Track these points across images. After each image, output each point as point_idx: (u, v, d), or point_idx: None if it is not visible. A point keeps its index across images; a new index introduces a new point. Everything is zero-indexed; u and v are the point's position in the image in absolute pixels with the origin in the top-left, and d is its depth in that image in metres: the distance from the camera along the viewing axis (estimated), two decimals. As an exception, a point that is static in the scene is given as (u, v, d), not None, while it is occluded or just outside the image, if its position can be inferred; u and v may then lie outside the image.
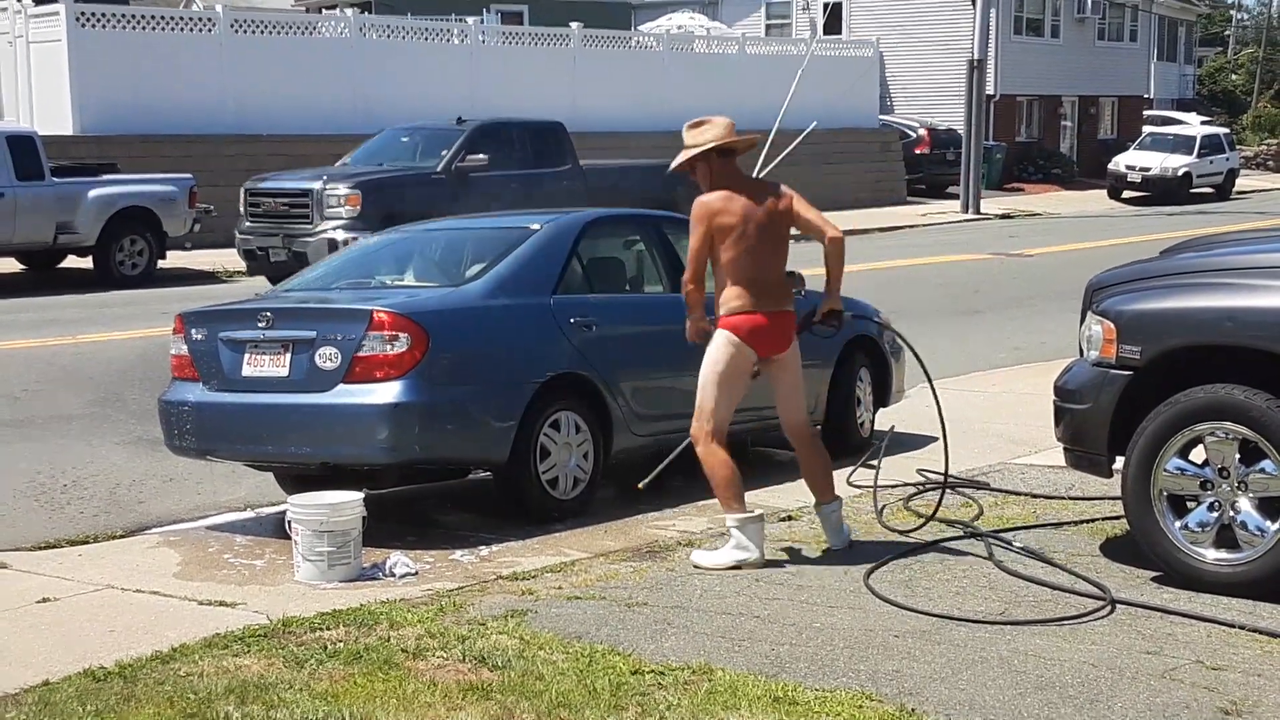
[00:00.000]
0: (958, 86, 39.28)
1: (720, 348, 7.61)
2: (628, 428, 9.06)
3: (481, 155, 20.87)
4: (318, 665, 5.97)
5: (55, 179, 21.33)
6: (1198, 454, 7.04)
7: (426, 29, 31.89)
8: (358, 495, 7.66)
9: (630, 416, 9.05)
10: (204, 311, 9.23)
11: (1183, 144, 44.91)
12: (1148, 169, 43.67)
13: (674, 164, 7.83)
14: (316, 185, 19.99)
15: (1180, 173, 43.66)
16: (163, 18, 28.22)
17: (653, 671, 5.84)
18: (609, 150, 27.77)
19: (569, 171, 21.86)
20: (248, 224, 20.73)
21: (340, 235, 19.28)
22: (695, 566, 7.51)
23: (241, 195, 21.09)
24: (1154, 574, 7.17)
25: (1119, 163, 44.44)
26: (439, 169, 20.73)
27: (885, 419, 11.14)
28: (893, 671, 5.88)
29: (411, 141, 22.11)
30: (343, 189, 19.83)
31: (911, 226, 34.17)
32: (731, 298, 7.59)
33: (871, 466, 9.33)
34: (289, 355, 8.38)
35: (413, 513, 9.19)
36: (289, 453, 8.50)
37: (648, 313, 9.49)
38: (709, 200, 7.60)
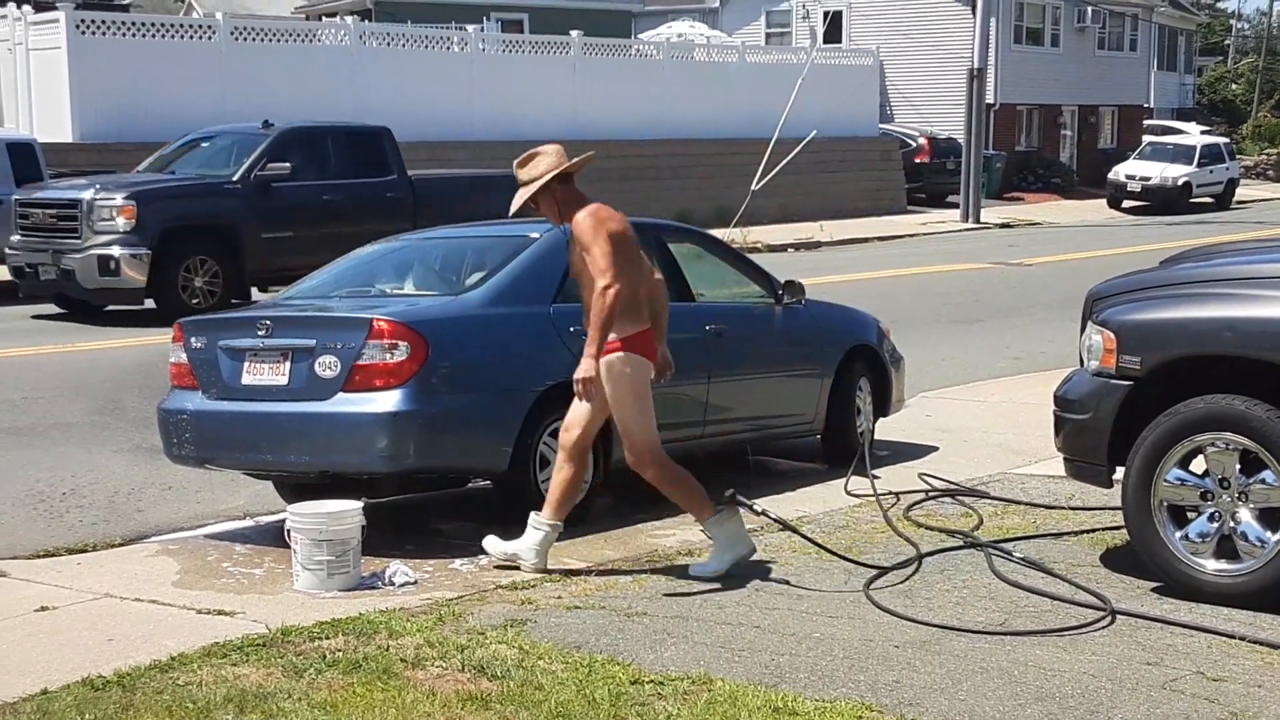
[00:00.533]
0: (958, 95, 39.31)
1: (626, 372, 7.45)
2: (627, 437, 9.03)
3: (285, 163, 19.03)
4: (316, 675, 5.96)
5: (55, 186, 21.31)
6: (1198, 464, 7.04)
7: (427, 37, 31.94)
8: (357, 504, 7.64)
9: (629, 425, 9.01)
10: (203, 320, 9.23)
11: (1182, 153, 44.97)
12: (1148, 178, 43.73)
13: (515, 205, 7.57)
14: (86, 195, 18.35)
15: (1180, 182, 43.72)
16: (163, 25, 28.28)
17: (652, 681, 5.83)
18: (611, 158, 27.76)
19: (393, 182, 20.23)
20: (16, 238, 19.11)
21: (116, 251, 17.94)
22: (693, 578, 7.49)
23: (12, 206, 19.45)
24: (1154, 584, 7.17)
25: (1119, 172, 44.51)
26: (235, 178, 18.95)
27: (885, 428, 11.15)
28: (892, 682, 5.87)
29: (212, 147, 20.27)
30: (117, 199, 18.18)
31: (911, 235, 34.19)
32: (625, 317, 7.39)
33: (864, 475, 9.33)
34: (288, 364, 8.37)
35: (412, 522, 9.18)
36: (288, 461, 8.49)
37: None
38: (596, 211, 7.40)
